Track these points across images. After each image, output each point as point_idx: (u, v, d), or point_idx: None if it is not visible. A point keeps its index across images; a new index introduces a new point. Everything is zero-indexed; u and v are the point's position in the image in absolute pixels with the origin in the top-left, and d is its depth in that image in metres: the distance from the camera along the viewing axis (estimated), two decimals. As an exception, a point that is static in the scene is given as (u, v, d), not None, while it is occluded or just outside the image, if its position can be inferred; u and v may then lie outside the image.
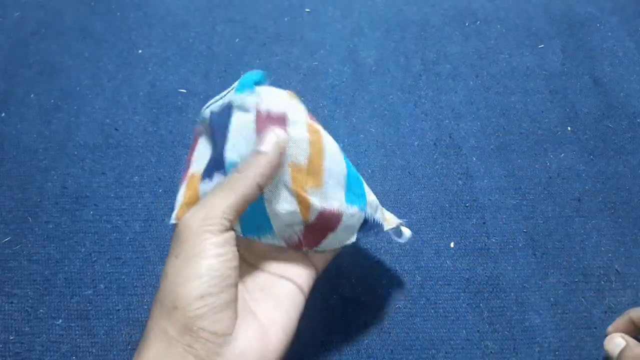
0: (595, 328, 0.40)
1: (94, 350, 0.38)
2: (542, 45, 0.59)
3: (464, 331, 0.39)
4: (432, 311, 0.40)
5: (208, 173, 0.31)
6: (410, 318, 0.40)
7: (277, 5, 0.62)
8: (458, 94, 0.54)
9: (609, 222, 0.45)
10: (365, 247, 0.43)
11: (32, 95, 0.52)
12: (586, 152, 0.50)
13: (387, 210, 0.36)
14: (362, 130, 0.50)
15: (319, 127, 0.32)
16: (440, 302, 0.41)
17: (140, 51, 0.57)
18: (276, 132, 0.28)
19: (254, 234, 0.31)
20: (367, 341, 0.39)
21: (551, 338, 0.39)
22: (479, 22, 0.61)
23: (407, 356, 0.38)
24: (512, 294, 0.41)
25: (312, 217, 0.30)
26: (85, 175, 0.47)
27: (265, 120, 0.29)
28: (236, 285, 0.27)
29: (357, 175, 0.33)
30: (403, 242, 0.35)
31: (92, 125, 0.50)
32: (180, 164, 0.48)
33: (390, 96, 0.54)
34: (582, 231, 0.45)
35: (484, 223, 0.45)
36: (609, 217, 0.45)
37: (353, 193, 0.31)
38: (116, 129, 0.50)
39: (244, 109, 0.30)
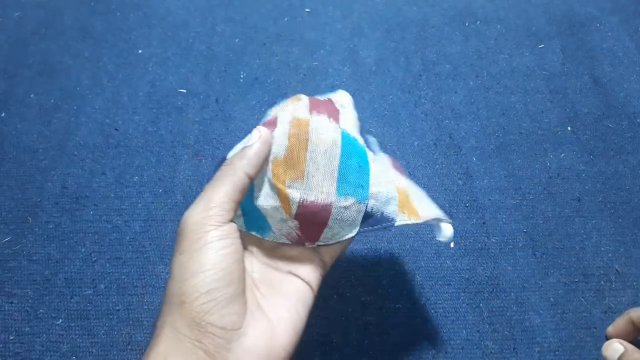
0: (595, 328, 0.40)
1: (94, 350, 0.38)
2: (542, 45, 0.59)
3: (464, 331, 0.39)
4: (432, 311, 0.40)
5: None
6: (410, 318, 0.40)
7: (277, 5, 0.62)
8: (458, 94, 0.54)
9: (609, 222, 0.45)
10: (365, 247, 0.43)
11: (32, 95, 0.52)
12: (586, 152, 0.50)
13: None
14: (362, 130, 0.50)
15: (317, 118, 0.31)
16: (440, 302, 0.41)
17: (140, 51, 0.57)
18: (259, 129, 0.30)
19: (257, 232, 0.31)
20: (367, 341, 0.39)
21: (551, 338, 0.39)
22: (479, 22, 0.61)
23: (407, 356, 0.38)
24: (512, 294, 0.41)
25: (293, 210, 0.30)
26: (85, 175, 0.47)
27: (263, 125, 0.31)
28: (242, 280, 0.27)
29: (363, 165, 0.32)
30: (444, 240, 0.32)
31: (92, 125, 0.50)
32: (180, 164, 0.48)
33: (390, 96, 0.54)
34: (582, 231, 0.45)
35: (484, 223, 0.45)
36: (609, 217, 0.46)
37: (349, 184, 0.31)
38: (116, 129, 0.50)
39: None
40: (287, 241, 0.31)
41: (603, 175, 0.48)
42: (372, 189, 0.31)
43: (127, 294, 0.40)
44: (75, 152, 0.48)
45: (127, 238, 0.43)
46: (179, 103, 0.52)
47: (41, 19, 0.59)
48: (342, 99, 0.36)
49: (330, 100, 0.35)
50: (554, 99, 0.54)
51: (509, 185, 0.47)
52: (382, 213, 0.32)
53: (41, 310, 0.39)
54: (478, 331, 0.39)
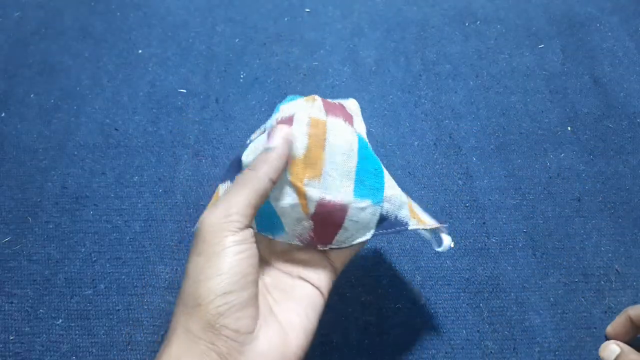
0: (595, 328, 0.40)
1: (94, 350, 0.38)
2: (542, 45, 0.59)
3: (464, 331, 0.39)
4: (432, 311, 0.40)
5: (231, 177, 0.33)
6: (410, 318, 0.40)
7: (277, 5, 0.62)
8: (458, 94, 0.54)
9: (609, 222, 0.45)
10: (365, 247, 0.43)
11: (32, 95, 0.52)
12: (586, 152, 0.50)
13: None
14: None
15: (334, 120, 0.31)
16: (440, 302, 0.41)
17: (140, 51, 0.57)
18: (281, 128, 0.30)
19: (268, 233, 0.31)
20: (367, 341, 0.39)
21: (551, 338, 0.39)
22: (479, 22, 0.61)
23: (407, 356, 0.38)
24: (512, 294, 0.41)
25: (311, 208, 0.30)
26: (85, 175, 0.47)
27: (277, 124, 0.31)
28: (257, 283, 0.27)
29: (377, 169, 0.32)
30: (440, 250, 0.32)
31: (92, 125, 0.50)
32: (180, 164, 0.48)
33: (390, 96, 0.54)
34: (582, 231, 0.45)
35: (483, 223, 0.45)
36: (609, 217, 0.46)
37: (365, 186, 0.31)
38: (116, 129, 0.50)
39: (271, 127, 0.32)
40: (299, 242, 0.31)
41: (603, 175, 0.48)
42: (387, 192, 0.32)
43: (127, 294, 0.40)
44: (75, 152, 0.48)
45: (127, 238, 0.43)
46: (179, 103, 0.52)
47: (41, 19, 0.59)
48: (353, 106, 0.36)
49: (342, 105, 0.35)
50: (554, 99, 0.54)
51: (509, 185, 0.47)
52: (396, 217, 0.32)
53: (41, 310, 0.39)
54: (478, 331, 0.39)
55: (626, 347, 0.36)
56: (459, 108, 0.53)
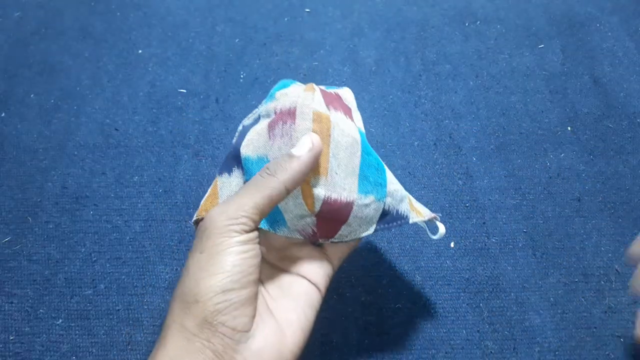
0: (595, 328, 0.40)
1: (94, 350, 0.38)
2: (542, 45, 0.59)
3: (464, 331, 0.39)
4: (432, 311, 0.40)
5: (228, 168, 0.32)
6: (410, 318, 0.40)
7: (277, 5, 0.62)
8: (458, 94, 0.54)
9: (609, 222, 0.45)
10: (365, 247, 0.43)
11: (32, 95, 0.52)
12: (586, 152, 0.50)
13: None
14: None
15: (335, 114, 0.31)
16: (440, 302, 0.41)
17: (140, 51, 0.57)
18: (311, 137, 0.29)
19: (270, 228, 0.31)
20: (367, 341, 0.39)
21: (551, 338, 0.39)
22: (479, 22, 0.61)
23: (407, 356, 0.38)
24: (512, 294, 0.41)
25: (317, 207, 0.29)
26: (85, 175, 0.47)
27: (278, 116, 0.31)
28: (257, 283, 0.27)
29: (379, 164, 0.32)
30: (436, 238, 0.32)
31: (92, 125, 0.50)
32: (180, 164, 0.48)
33: (390, 96, 0.54)
34: (582, 231, 0.45)
35: (484, 223, 0.45)
36: (609, 217, 0.46)
37: (369, 182, 0.31)
38: (116, 129, 0.50)
39: (268, 115, 0.32)
40: (300, 237, 0.31)
41: (603, 175, 0.48)
42: (390, 187, 0.32)
43: (127, 294, 0.40)
44: (75, 152, 0.48)
45: (127, 238, 0.43)
46: (179, 103, 0.52)
47: (41, 19, 0.59)
48: (348, 96, 0.36)
49: (339, 95, 0.34)
50: (554, 99, 0.54)
51: (509, 185, 0.47)
52: (397, 211, 0.32)
53: (41, 310, 0.39)
54: (478, 331, 0.39)
55: None
56: (459, 108, 0.53)
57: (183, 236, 0.43)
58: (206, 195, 0.33)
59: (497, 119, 0.52)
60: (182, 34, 0.58)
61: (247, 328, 0.26)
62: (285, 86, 0.33)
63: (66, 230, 0.43)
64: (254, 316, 0.26)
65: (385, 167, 0.33)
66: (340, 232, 0.31)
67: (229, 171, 0.32)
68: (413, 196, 0.35)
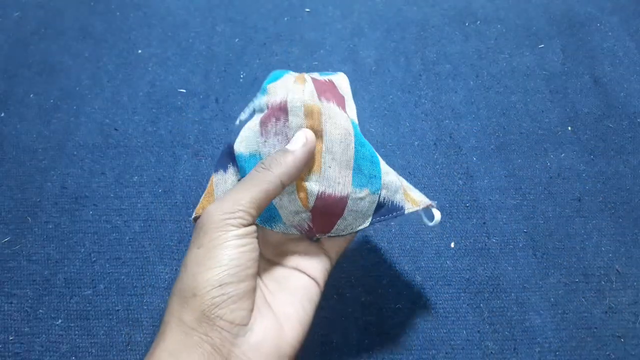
0: (596, 328, 0.40)
1: (93, 351, 0.38)
2: (542, 45, 0.59)
3: (465, 331, 0.39)
4: (433, 311, 0.40)
5: (223, 165, 0.32)
6: (410, 318, 0.40)
7: (277, 5, 0.62)
8: (458, 93, 0.54)
9: (610, 222, 0.45)
10: (365, 247, 0.43)
11: (31, 95, 0.52)
12: (587, 152, 0.50)
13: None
14: (362, 130, 0.50)
15: (327, 106, 0.31)
16: (440, 302, 0.41)
17: (140, 51, 0.57)
18: (305, 132, 0.29)
19: (266, 224, 0.31)
20: (367, 341, 0.39)
21: (552, 338, 0.39)
22: (479, 22, 0.61)
23: (407, 356, 0.38)
24: (513, 294, 0.41)
25: (310, 202, 0.29)
26: (84, 176, 0.47)
27: (270, 111, 0.31)
28: (255, 277, 0.27)
29: (373, 155, 0.32)
30: (432, 225, 0.32)
31: (92, 125, 0.50)
32: (180, 164, 0.48)
33: (390, 96, 0.54)
34: (583, 231, 0.45)
35: (484, 223, 0.45)
36: (610, 217, 0.45)
37: (363, 175, 0.31)
38: (116, 129, 0.50)
39: (261, 110, 0.32)
40: (296, 232, 0.31)
41: (603, 175, 0.48)
42: (384, 178, 0.31)
43: (127, 294, 0.40)
44: (75, 152, 0.48)
45: (127, 238, 0.43)
46: (179, 103, 0.52)
47: (41, 19, 0.59)
48: (343, 83, 0.35)
49: (332, 83, 0.34)
50: (554, 99, 0.54)
51: (509, 185, 0.47)
52: (392, 202, 0.32)
53: (41, 311, 0.39)
54: (478, 331, 0.39)
55: None
56: (459, 108, 0.53)
57: (183, 236, 0.43)
58: (204, 193, 0.33)
59: (497, 119, 0.52)
60: (182, 34, 0.58)
61: (245, 321, 0.26)
62: (277, 78, 0.33)
63: (65, 231, 0.43)
64: (252, 310, 0.26)
65: (380, 158, 0.32)
66: (336, 226, 0.31)
67: (224, 168, 0.32)
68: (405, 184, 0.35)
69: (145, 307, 0.40)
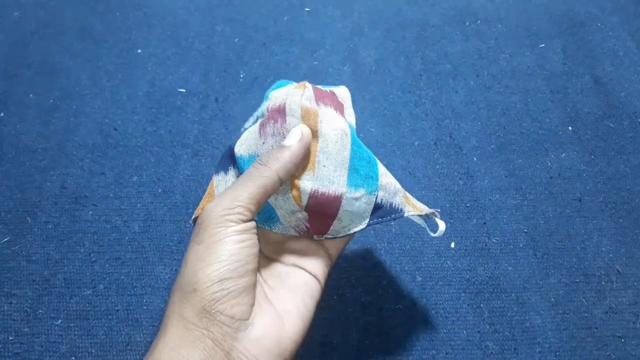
0: (596, 328, 0.39)
1: (93, 351, 0.38)
2: (543, 45, 0.59)
3: (465, 332, 0.39)
4: (433, 312, 0.40)
5: (224, 167, 0.33)
6: (410, 318, 0.40)
7: (277, 5, 0.62)
8: (458, 93, 0.54)
9: (610, 222, 0.45)
10: (365, 247, 0.43)
11: (31, 95, 0.52)
12: (587, 152, 0.50)
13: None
14: (362, 130, 0.50)
15: (325, 110, 0.31)
16: (440, 302, 0.41)
17: (139, 51, 0.56)
18: (301, 128, 0.29)
19: (265, 224, 0.31)
20: (367, 341, 0.39)
21: (552, 338, 0.39)
22: (479, 22, 0.61)
23: (407, 357, 0.38)
24: (513, 294, 0.41)
25: (304, 200, 0.29)
26: (84, 175, 0.47)
27: (269, 114, 0.31)
28: (255, 272, 0.27)
29: (370, 156, 0.32)
30: (436, 235, 0.32)
31: (91, 125, 0.50)
32: (180, 164, 0.48)
33: (391, 96, 0.54)
34: (583, 231, 0.44)
35: (484, 223, 0.45)
36: (610, 217, 0.45)
37: (359, 175, 0.30)
38: (115, 129, 0.50)
39: (262, 116, 0.32)
40: (295, 233, 0.31)
41: (604, 175, 0.48)
42: (382, 180, 0.31)
43: (127, 294, 0.40)
44: (75, 152, 0.48)
45: (127, 238, 0.43)
46: (179, 103, 0.52)
47: (41, 19, 0.59)
48: (343, 93, 0.36)
49: (333, 93, 0.34)
50: (554, 99, 0.54)
51: (509, 185, 0.47)
52: (391, 204, 0.32)
53: (40, 311, 0.39)
54: (479, 332, 0.39)
55: None
56: (459, 108, 0.53)
57: (182, 236, 0.43)
58: (205, 194, 0.33)
59: (497, 119, 0.52)
60: (181, 34, 0.58)
61: (246, 316, 0.26)
62: (280, 86, 0.33)
63: (65, 231, 0.43)
64: (252, 305, 0.26)
65: (377, 161, 0.32)
66: (332, 227, 0.31)
67: (225, 170, 0.32)
68: (413, 196, 0.35)
69: (145, 307, 0.40)
